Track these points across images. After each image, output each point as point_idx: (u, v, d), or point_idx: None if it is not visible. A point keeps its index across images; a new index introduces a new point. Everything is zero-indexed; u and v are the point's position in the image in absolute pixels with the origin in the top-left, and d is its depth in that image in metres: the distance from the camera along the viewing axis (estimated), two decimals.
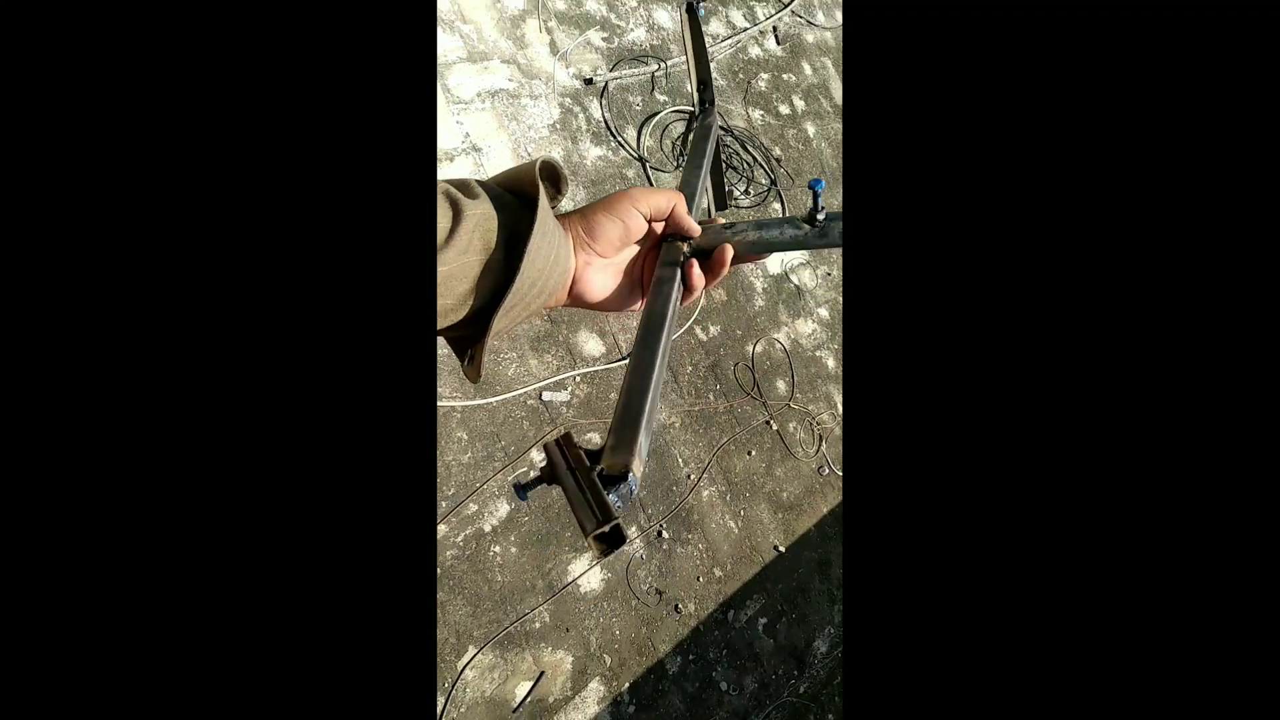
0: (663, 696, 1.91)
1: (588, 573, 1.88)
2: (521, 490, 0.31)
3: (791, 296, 2.70)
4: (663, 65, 2.60)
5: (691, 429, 2.23)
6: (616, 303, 0.47)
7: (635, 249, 0.47)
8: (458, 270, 0.36)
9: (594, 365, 2.07)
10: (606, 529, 0.28)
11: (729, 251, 0.45)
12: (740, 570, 2.17)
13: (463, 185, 0.38)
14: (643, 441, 0.33)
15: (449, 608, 1.68)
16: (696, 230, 0.46)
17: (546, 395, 1.96)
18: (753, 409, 2.40)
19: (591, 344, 2.10)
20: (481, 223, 0.37)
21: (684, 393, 2.27)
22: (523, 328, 1.99)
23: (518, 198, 0.40)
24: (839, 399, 2.67)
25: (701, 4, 2.76)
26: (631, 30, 2.63)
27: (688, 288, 0.45)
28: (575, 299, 0.45)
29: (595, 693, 1.82)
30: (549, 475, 0.31)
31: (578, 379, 2.04)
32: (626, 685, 1.87)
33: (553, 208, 0.41)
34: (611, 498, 0.30)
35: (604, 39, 2.54)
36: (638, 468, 0.31)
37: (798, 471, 2.44)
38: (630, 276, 0.47)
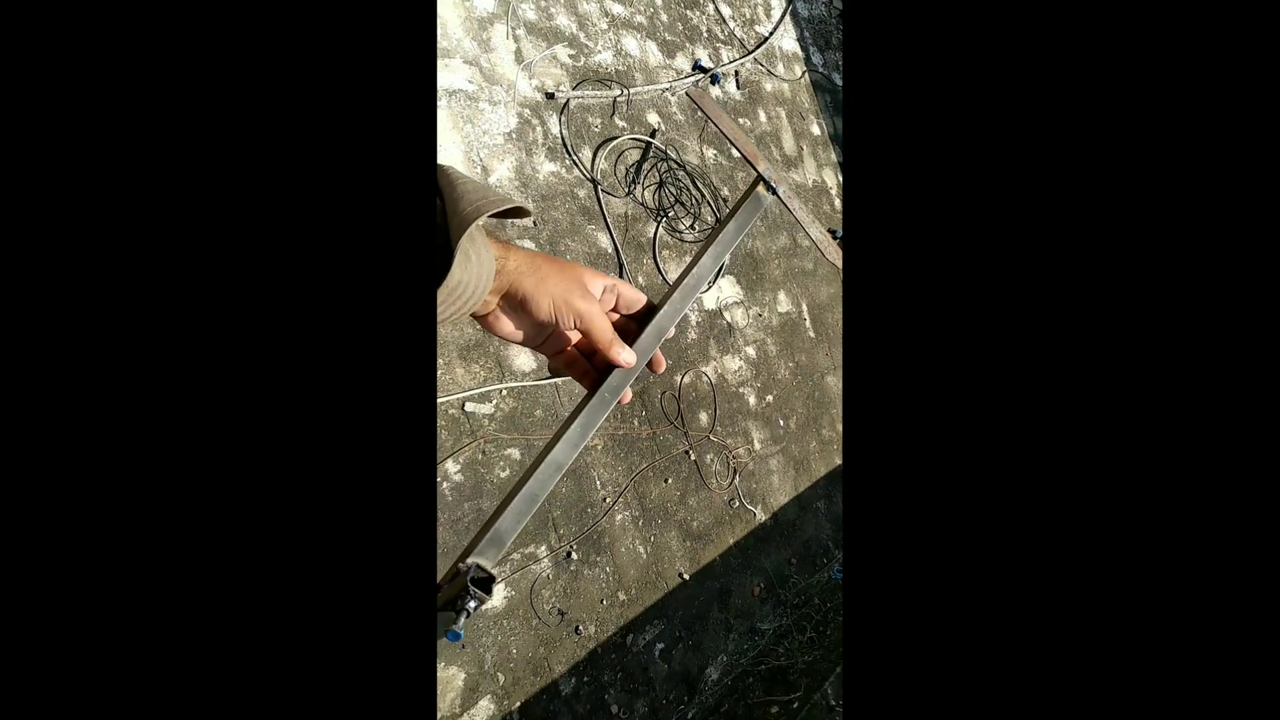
0: (553, 717, 1.91)
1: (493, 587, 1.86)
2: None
3: (723, 333, 2.80)
4: (626, 91, 2.65)
5: (613, 452, 2.26)
6: (530, 340, 0.49)
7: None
8: None
9: (523, 380, 2.07)
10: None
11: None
12: (644, 595, 2.21)
13: (446, 180, 0.39)
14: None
15: None
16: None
17: (470, 406, 1.93)
18: (674, 438, 2.46)
19: (522, 359, 2.10)
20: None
21: (610, 415, 2.29)
22: (452, 333, 1.96)
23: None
24: (756, 435, 2.78)
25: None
26: (599, 52, 2.67)
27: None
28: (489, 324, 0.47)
29: (484, 710, 1.80)
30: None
31: (504, 393, 2.02)
32: (517, 705, 1.85)
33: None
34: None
35: (571, 56, 2.56)
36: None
37: (710, 502, 2.52)
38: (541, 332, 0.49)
